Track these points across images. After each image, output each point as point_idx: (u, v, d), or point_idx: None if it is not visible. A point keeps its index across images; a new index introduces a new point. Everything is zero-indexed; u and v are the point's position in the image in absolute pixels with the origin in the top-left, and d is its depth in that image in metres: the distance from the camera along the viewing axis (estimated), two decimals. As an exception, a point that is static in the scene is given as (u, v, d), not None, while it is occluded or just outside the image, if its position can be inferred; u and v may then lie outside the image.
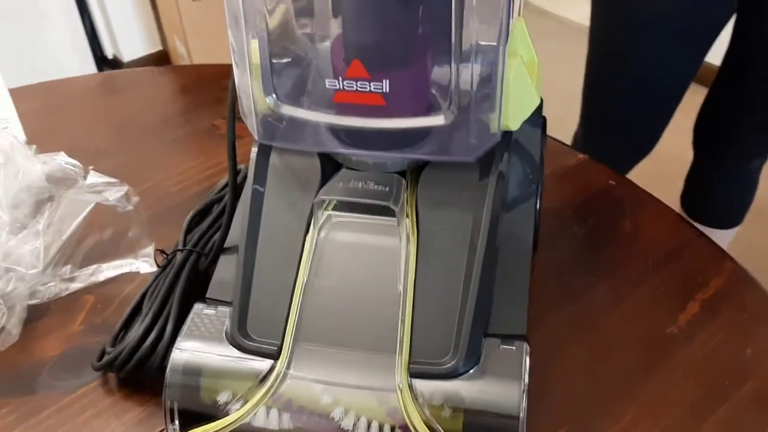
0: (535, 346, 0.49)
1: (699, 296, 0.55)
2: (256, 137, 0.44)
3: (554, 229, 0.61)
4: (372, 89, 0.40)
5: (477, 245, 0.43)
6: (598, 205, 0.64)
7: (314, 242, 0.45)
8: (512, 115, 0.44)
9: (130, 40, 2.15)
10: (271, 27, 0.41)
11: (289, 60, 0.42)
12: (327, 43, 0.41)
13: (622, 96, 1.03)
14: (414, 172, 0.46)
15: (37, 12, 2.00)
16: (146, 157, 0.74)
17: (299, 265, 0.45)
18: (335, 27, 0.41)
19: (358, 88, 0.40)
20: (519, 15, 0.48)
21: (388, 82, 0.40)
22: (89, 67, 2.16)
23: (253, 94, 0.43)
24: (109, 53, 2.21)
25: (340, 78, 0.40)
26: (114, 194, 0.59)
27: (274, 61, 0.41)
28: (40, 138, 0.76)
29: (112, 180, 0.60)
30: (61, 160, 0.59)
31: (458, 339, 0.42)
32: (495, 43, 0.39)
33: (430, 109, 0.41)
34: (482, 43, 0.39)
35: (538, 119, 0.56)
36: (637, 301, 0.55)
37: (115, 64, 2.22)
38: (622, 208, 0.64)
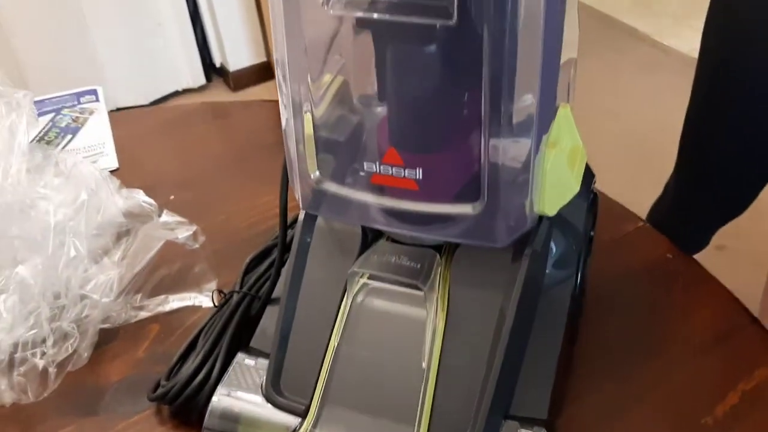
0: (564, 424, 0.50)
1: (741, 386, 0.54)
2: (301, 206, 0.47)
3: (603, 298, 0.61)
4: (406, 175, 0.42)
5: (503, 328, 0.44)
6: (652, 278, 0.63)
7: (348, 308, 0.47)
8: (548, 202, 0.45)
9: (237, 50, 2.25)
10: (317, 111, 0.43)
11: (334, 138, 0.44)
12: (367, 127, 0.43)
13: (723, 147, 0.94)
14: (450, 246, 0.48)
15: (153, 21, 2.13)
16: (224, 189, 0.78)
17: (333, 330, 0.47)
18: (373, 114, 0.43)
19: (393, 173, 0.42)
20: (568, 101, 0.48)
21: (421, 170, 0.42)
22: (198, 73, 2.28)
23: (299, 167, 0.45)
24: (217, 61, 2.32)
25: (377, 162, 0.43)
26: (184, 233, 0.64)
27: (320, 137, 0.44)
28: (130, 164, 0.82)
29: (183, 219, 0.65)
30: (140, 198, 0.64)
31: (476, 420, 0.43)
32: (527, 139, 0.40)
33: (461, 198, 0.43)
34: (513, 139, 0.40)
35: (587, 192, 0.56)
36: (677, 384, 0.55)
37: (222, 71, 2.33)
38: (676, 283, 0.63)
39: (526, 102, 0.39)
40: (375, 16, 0.38)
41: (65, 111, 0.89)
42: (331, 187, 0.45)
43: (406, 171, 0.42)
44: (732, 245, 1.67)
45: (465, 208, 0.43)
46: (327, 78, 0.43)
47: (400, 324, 0.47)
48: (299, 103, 0.43)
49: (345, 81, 0.43)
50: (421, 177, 0.42)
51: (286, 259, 0.52)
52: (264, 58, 2.31)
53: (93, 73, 2.10)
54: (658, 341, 0.58)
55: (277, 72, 0.44)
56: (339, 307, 0.48)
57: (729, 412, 0.52)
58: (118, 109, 2.16)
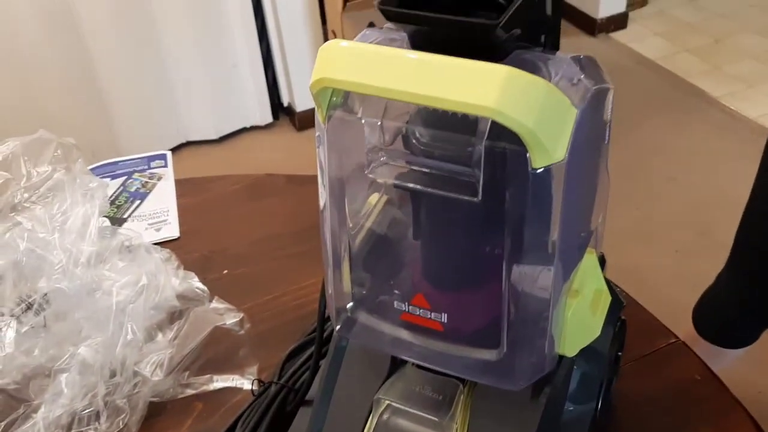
0: None
1: None
2: (335, 330, 0.51)
3: (626, 419, 0.62)
4: (432, 317, 0.45)
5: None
6: (679, 402, 0.64)
7: (373, 428, 0.51)
8: (568, 345, 0.47)
9: (304, 91, 2.32)
10: (354, 251, 0.47)
11: (368, 277, 0.48)
12: (398, 271, 0.47)
13: None
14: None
15: (228, 62, 2.22)
16: (277, 267, 0.83)
17: (358, 447, 0.51)
18: (405, 258, 0.46)
19: (421, 314, 0.46)
20: (596, 248, 0.51)
21: (446, 315, 0.45)
22: (266, 112, 2.36)
23: (335, 296, 0.49)
24: (285, 101, 2.40)
25: (407, 303, 0.46)
26: (231, 319, 0.69)
27: (355, 275, 0.48)
28: (190, 234, 0.88)
29: (231, 306, 0.69)
30: (194, 283, 0.69)
31: None
32: (545, 293, 0.43)
33: (482, 343, 0.45)
34: (533, 292, 0.43)
35: (615, 319, 0.58)
36: None
37: (289, 111, 2.41)
38: (703, 409, 0.64)
39: (545, 260, 0.42)
40: (409, 185, 0.41)
41: (136, 175, 0.96)
42: (363, 317, 0.49)
43: (432, 314, 0.45)
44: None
45: (486, 354, 0.45)
46: (362, 224, 0.46)
47: (420, 448, 0.50)
48: (338, 246, 0.47)
49: (379, 229, 0.46)
50: (446, 321, 0.45)
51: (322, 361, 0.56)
52: (330, 101, 2.38)
53: (168, 107, 2.21)
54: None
55: (320, 214, 0.47)
56: (365, 425, 0.51)
57: None
58: (189, 143, 2.27)
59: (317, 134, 0.44)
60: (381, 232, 0.46)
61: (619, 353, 0.62)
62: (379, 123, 0.41)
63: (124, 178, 0.96)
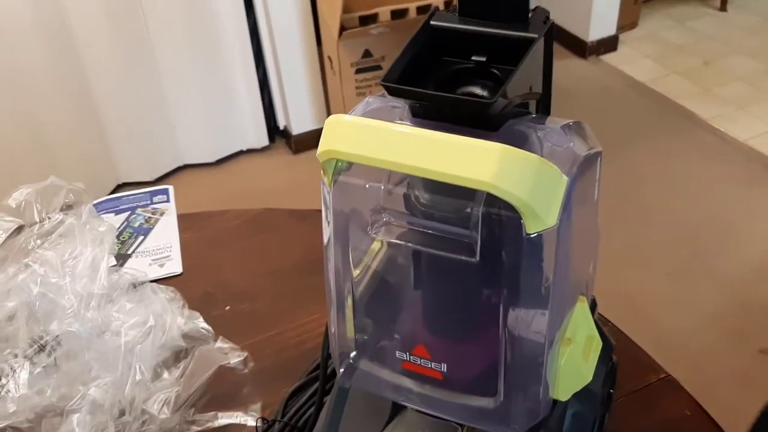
0: None
1: None
2: (338, 375, 0.53)
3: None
4: (432, 367, 0.48)
5: None
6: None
7: (375, 469, 0.53)
8: (562, 390, 0.50)
9: (300, 115, 2.36)
10: (357, 300, 0.50)
11: (370, 327, 0.50)
12: (400, 322, 0.49)
13: None
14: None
15: (226, 86, 2.25)
16: (279, 303, 0.85)
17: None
18: (407, 311, 0.49)
19: (422, 364, 0.48)
20: (587, 295, 0.53)
21: (445, 365, 0.48)
22: (262, 135, 2.39)
23: (339, 344, 0.52)
24: (281, 124, 2.43)
25: (408, 352, 0.48)
26: (235, 358, 0.71)
27: (358, 324, 0.50)
28: (193, 269, 0.90)
29: (235, 346, 0.71)
30: (199, 323, 0.72)
31: None
32: (540, 344, 0.45)
33: (480, 391, 0.48)
34: (528, 343, 0.45)
35: (606, 360, 0.61)
36: None
37: (285, 134, 2.44)
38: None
39: (538, 313, 0.44)
40: (410, 244, 0.44)
41: (139, 210, 0.98)
42: (365, 364, 0.51)
43: (433, 364, 0.48)
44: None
45: (483, 401, 0.48)
46: (366, 272, 0.49)
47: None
48: (342, 294, 0.49)
49: (382, 278, 0.49)
50: (445, 370, 0.48)
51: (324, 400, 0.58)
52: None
53: (166, 131, 2.24)
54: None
55: (325, 262, 0.50)
56: (367, 466, 0.53)
57: None
58: (185, 166, 2.29)
59: (323, 194, 0.47)
60: (384, 281, 0.49)
61: (611, 391, 0.64)
62: (382, 187, 0.44)
63: (128, 213, 0.98)
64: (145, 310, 0.69)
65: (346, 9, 1.87)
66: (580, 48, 2.79)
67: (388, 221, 0.45)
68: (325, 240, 0.48)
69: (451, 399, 0.49)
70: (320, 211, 1.04)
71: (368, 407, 0.55)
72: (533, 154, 0.38)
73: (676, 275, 1.88)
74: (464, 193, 0.43)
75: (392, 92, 0.42)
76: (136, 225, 0.96)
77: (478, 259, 0.42)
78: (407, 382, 0.50)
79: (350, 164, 0.45)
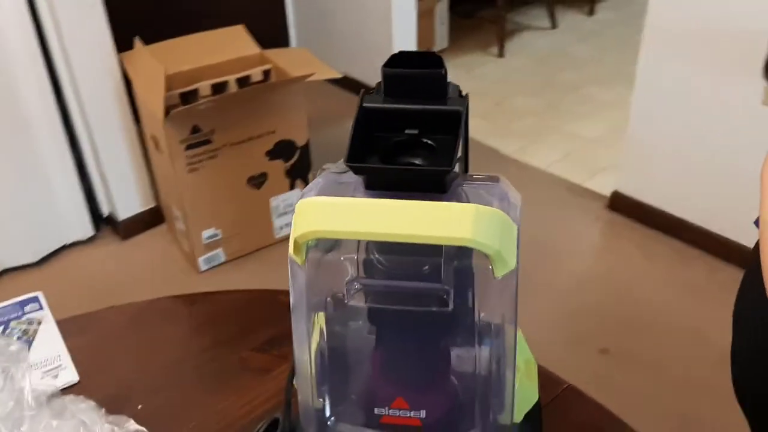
0: None
1: None
2: (314, 442, 0.55)
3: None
4: (411, 415, 0.52)
5: None
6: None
7: None
8: (517, 412, 0.55)
9: (125, 198, 2.28)
10: (330, 365, 0.52)
11: (347, 392, 0.53)
12: (375, 384, 0.53)
13: None
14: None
15: (38, 176, 2.12)
16: (191, 392, 0.83)
17: None
18: (382, 369, 0.52)
19: (401, 415, 0.52)
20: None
21: (424, 411, 0.52)
22: (86, 225, 2.27)
23: (315, 416, 0.54)
24: (105, 211, 2.33)
25: (387, 407, 0.52)
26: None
27: (332, 391, 0.53)
28: (90, 374, 0.86)
29: (173, 441, 0.70)
30: (132, 426, 0.69)
31: None
32: (509, 377, 0.51)
33: (458, 428, 0.53)
34: (499, 377, 0.51)
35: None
36: None
37: (111, 221, 2.34)
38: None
39: (508, 349, 0.50)
40: (386, 306, 0.48)
41: (13, 324, 0.92)
42: (342, 427, 0.54)
43: (412, 413, 0.52)
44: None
45: (463, 436, 0.53)
46: (339, 342, 0.52)
47: None
48: (319, 364, 0.52)
49: (355, 344, 0.52)
50: (424, 416, 0.52)
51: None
52: (153, 204, 2.35)
53: (-24, 236, 2.06)
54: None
55: (296, 331, 0.52)
56: None
57: None
58: (4, 271, 2.11)
59: (291, 273, 0.49)
60: (356, 345, 0.52)
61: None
62: (355, 257, 0.47)
63: (1, 329, 0.91)
64: (73, 424, 0.66)
65: (165, 87, 1.86)
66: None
67: (362, 287, 0.48)
68: (294, 315, 0.51)
69: (432, 441, 0.53)
70: (203, 293, 1.04)
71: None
72: (496, 210, 0.44)
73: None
74: (426, 252, 0.48)
75: (358, 171, 0.46)
76: (14, 339, 0.89)
77: (451, 308, 0.47)
78: (386, 435, 0.53)
79: (317, 242, 0.48)
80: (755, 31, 1.79)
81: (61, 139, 2.12)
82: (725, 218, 2.17)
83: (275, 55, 2.16)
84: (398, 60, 0.51)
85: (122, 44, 2.10)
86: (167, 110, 1.83)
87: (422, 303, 0.48)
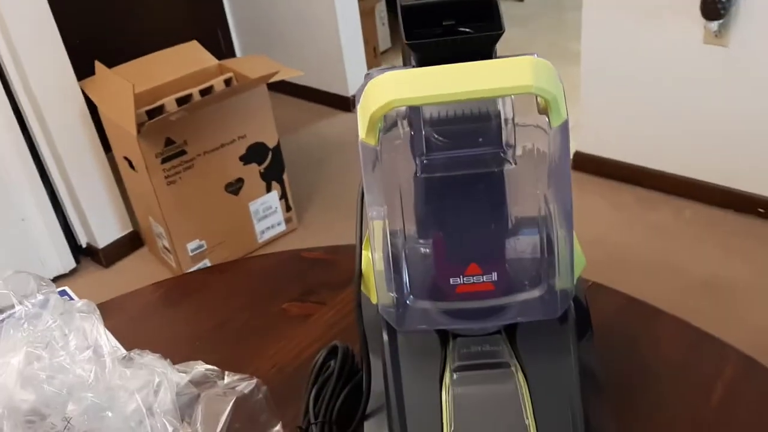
0: None
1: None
2: (395, 326, 0.59)
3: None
4: (485, 280, 0.56)
5: (572, 381, 0.58)
6: (615, 324, 0.81)
7: (450, 401, 0.59)
8: (577, 273, 0.61)
9: (104, 226, 2.27)
10: (407, 240, 0.57)
11: (423, 265, 0.58)
12: (450, 247, 0.57)
13: None
14: (507, 328, 0.62)
15: (16, 217, 2.11)
16: (234, 351, 0.86)
17: (442, 423, 0.58)
18: (453, 238, 0.57)
19: (475, 281, 0.56)
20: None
21: (495, 273, 0.56)
22: (67, 258, 2.26)
23: (392, 294, 0.58)
24: (83, 242, 2.32)
25: (461, 275, 0.56)
26: (247, 387, 0.72)
27: (411, 265, 0.57)
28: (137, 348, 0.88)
29: (243, 376, 0.73)
30: (201, 367, 0.72)
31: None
32: (568, 234, 0.56)
33: (526, 286, 0.57)
34: (561, 234, 0.56)
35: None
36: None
37: (90, 251, 2.32)
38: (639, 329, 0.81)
39: (565, 197, 0.55)
40: (458, 173, 0.53)
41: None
42: (420, 303, 0.58)
43: (485, 277, 0.56)
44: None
45: (531, 294, 0.57)
46: (409, 217, 0.57)
47: (499, 401, 0.59)
48: (395, 240, 0.56)
49: (426, 217, 0.57)
50: (496, 279, 0.56)
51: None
52: (131, 228, 2.35)
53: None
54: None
55: (369, 220, 0.56)
56: (441, 403, 0.59)
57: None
58: None
59: (364, 160, 0.53)
60: (426, 217, 0.57)
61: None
62: (423, 133, 0.52)
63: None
64: (145, 372, 0.69)
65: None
66: (343, 103, 3.02)
67: (431, 161, 0.53)
68: (368, 197, 0.55)
69: (504, 303, 0.57)
70: (230, 262, 1.07)
71: (418, 349, 0.62)
72: (546, 61, 0.50)
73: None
74: (482, 119, 0.53)
75: (417, 48, 0.51)
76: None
77: (513, 165, 0.52)
78: (463, 305, 0.58)
79: (383, 123, 0.53)
80: (689, -26, 1.91)
81: (32, 173, 2.11)
82: (683, 158, 2.28)
83: (234, 63, 2.20)
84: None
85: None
86: (140, 126, 1.85)
87: (491, 165, 0.53)
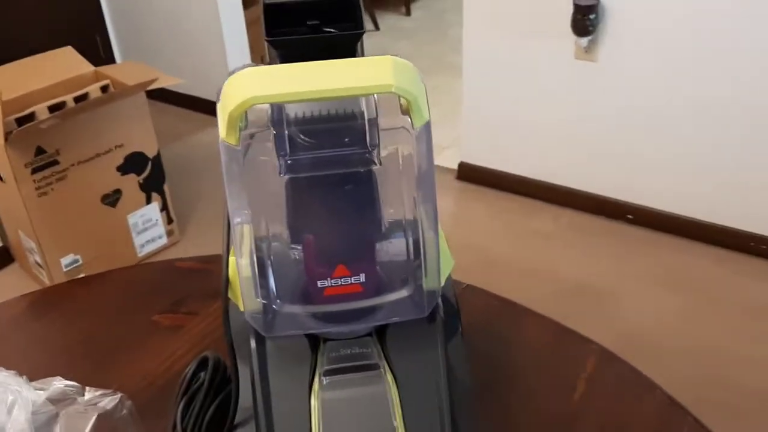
0: None
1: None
2: (263, 333, 0.58)
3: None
4: (352, 282, 0.56)
5: (440, 379, 0.59)
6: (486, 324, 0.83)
7: (319, 406, 0.58)
8: (443, 273, 0.61)
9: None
10: (272, 252, 0.56)
11: (287, 268, 0.56)
12: (315, 254, 0.56)
13: None
14: (378, 330, 0.62)
15: None
16: (101, 363, 0.82)
17: (311, 429, 0.57)
18: (320, 240, 0.56)
19: (342, 283, 0.56)
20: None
21: (363, 275, 0.56)
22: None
23: (254, 300, 0.56)
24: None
25: (329, 278, 0.56)
26: (110, 403, 0.68)
27: (275, 270, 0.56)
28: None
29: (107, 391, 0.69)
30: (59, 383, 0.68)
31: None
32: (433, 234, 0.57)
33: (394, 287, 0.57)
34: (428, 233, 0.56)
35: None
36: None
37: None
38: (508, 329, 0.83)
39: (431, 202, 0.55)
40: (322, 173, 0.52)
41: None
42: (288, 308, 0.57)
43: (353, 279, 0.56)
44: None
45: (399, 294, 0.57)
46: (273, 221, 0.55)
47: (367, 404, 0.59)
48: (262, 255, 0.55)
49: (292, 219, 0.56)
50: (364, 280, 0.56)
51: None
52: (0, 243, 2.20)
53: None
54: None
55: (234, 225, 0.55)
56: (310, 409, 0.58)
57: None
58: None
59: (225, 161, 0.52)
60: (293, 219, 0.56)
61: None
62: (286, 132, 0.51)
63: None
64: (3, 392, 0.64)
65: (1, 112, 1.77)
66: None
67: (294, 161, 0.53)
68: (230, 201, 0.53)
69: (372, 304, 0.57)
70: (97, 275, 1.02)
71: (287, 355, 0.60)
72: (407, 61, 0.50)
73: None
74: (343, 119, 0.53)
75: (279, 45, 0.50)
76: None
77: (379, 165, 0.53)
78: (331, 308, 0.57)
79: (246, 122, 0.52)
80: (560, -8, 2.00)
81: None
82: (560, 168, 2.38)
83: (111, 70, 2.11)
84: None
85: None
86: (7, 134, 1.74)
87: (351, 166, 0.52)
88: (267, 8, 0.54)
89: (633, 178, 2.24)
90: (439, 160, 2.66)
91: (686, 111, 2.08)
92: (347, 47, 0.52)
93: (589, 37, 2.08)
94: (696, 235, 2.19)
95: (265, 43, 0.53)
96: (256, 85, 0.48)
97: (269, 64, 0.57)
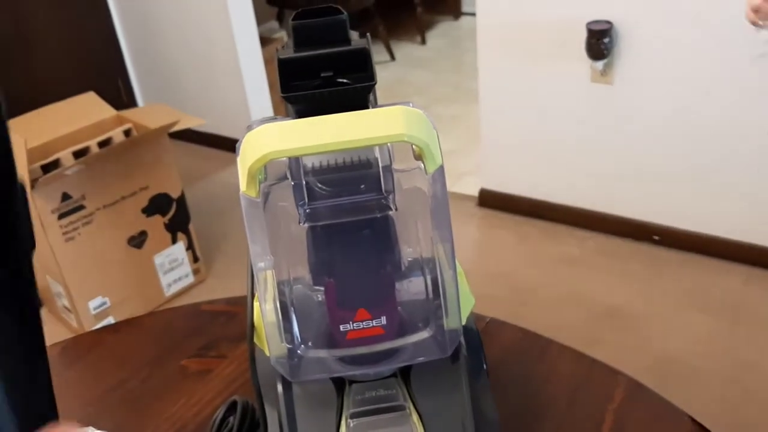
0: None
1: (612, 406, 0.74)
2: (289, 378, 0.59)
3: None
4: (374, 324, 0.57)
5: (466, 418, 0.59)
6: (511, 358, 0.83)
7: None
8: (464, 313, 0.62)
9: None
10: (295, 299, 0.57)
11: (311, 315, 0.57)
12: (339, 294, 0.57)
13: None
14: (402, 371, 0.62)
15: None
16: (133, 410, 0.84)
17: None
18: (341, 285, 0.57)
19: (364, 326, 0.57)
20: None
21: (384, 317, 0.57)
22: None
23: (280, 346, 0.57)
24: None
25: (351, 322, 0.57)
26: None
27: (299, 316, 0.57)
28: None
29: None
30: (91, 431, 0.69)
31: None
32: (451, 274, 0.58)
33: (416, 328, 0.58)
34: (446, 275, 0.57)
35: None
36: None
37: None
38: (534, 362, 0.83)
39: (446, 241, 0.56)
40: (340, 220, 0.54)
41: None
42: (312, 352, 0.58)
43: (374, 322, 0.57)
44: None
45: (421, 336, 0.58)
46: (296, 269, 0.57)
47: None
48: (282, 294, 0.56)
49: (313, 265, 0.57)
50: (385, 322, 0.57)
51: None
52: None
53: None
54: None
55: (257, 271, 0.56)
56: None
57: (614, 426, 0.71)
58: None
59: (246, 212, 0.53)
60: (314, 266, 0.57)
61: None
62: (304, 183, 0.53)
63: None
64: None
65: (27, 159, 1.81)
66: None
67: (313, 209, 0.54)
68: (252, 248, 0.54)
69: (395, 346, 0.58)
70: (125, 321, 1.04)
71: (314, 399, 0.61)
72: (417, 110, 0.51)
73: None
74: (358, 168, 0.54)
75: (294, 100, 0.52)
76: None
77: (395, 209, 0.54)
78: (355, 351, 0.58)
79: (265, 174, 0.53)
80: (572, 18, 2.02)
81: None
82: (582, 191, 2.38)
83: (132, 114, 2.16)
84: (302, 15, 0.57)
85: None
86: (33, 181, 1.79)
87: (368, 213, 0.54)
88: (282, 63, 0.56)
89: (656, 199, 2.23)
90: (459, 187, 2.67)
91: (706, 131, 2.07)
92: (360, 97, 0.54)
93: (605, 60, 2.09)
94: (724, 254, 2.17)
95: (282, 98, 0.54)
96: (274, 141, 0.50)
97: (287, 115, 0.58)
